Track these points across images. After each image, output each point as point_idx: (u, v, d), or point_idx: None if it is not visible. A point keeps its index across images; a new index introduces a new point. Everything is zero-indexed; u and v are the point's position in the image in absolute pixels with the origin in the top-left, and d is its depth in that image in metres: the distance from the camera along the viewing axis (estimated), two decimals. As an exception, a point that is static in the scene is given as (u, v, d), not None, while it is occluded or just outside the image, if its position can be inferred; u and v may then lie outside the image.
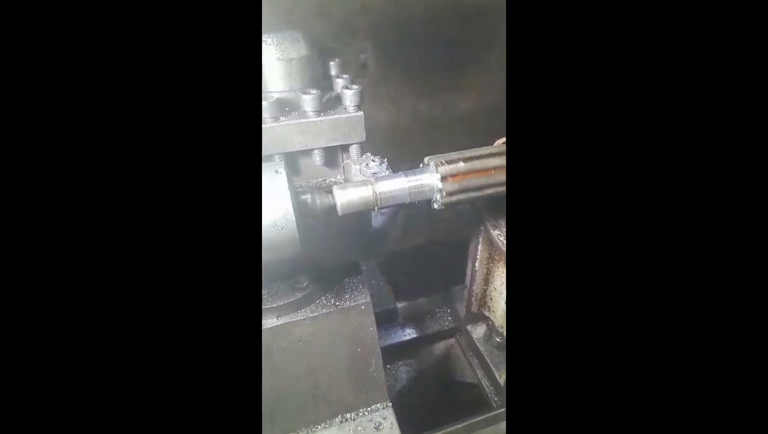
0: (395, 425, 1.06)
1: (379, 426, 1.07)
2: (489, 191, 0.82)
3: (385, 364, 1.47)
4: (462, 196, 0.79)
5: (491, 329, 1.38)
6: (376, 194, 0.77)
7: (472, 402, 1.45)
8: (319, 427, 1.07)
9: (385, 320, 1.56)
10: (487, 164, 0.80)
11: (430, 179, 0.78)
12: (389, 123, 2.28)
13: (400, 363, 1.56)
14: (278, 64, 0.83)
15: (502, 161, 0.81)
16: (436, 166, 0.78)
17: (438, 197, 0.79)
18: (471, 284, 1.33)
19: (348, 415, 1.09)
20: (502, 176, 0.81)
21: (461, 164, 0.78)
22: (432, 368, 1.60)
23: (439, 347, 1.62)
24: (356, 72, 2.10)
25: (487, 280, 1.30)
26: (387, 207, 0.81)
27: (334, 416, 1.09)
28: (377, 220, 1.99)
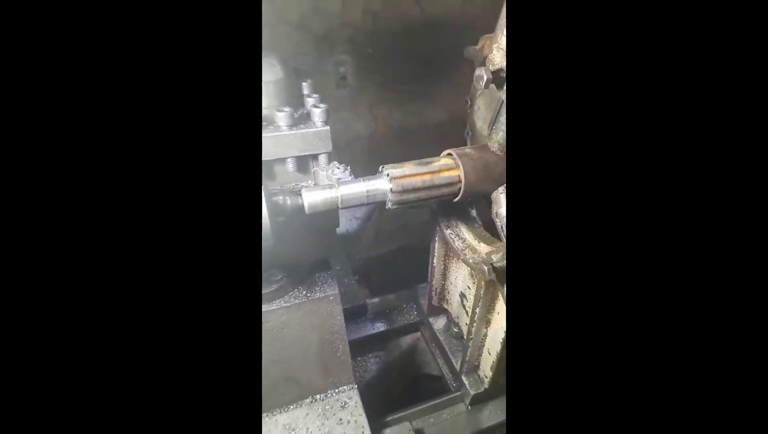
0: (359, 404, 1.19)
1: (345, 405, 1.19)
2: (435, 193, 0.97)
3: (355, 356, 1.61)
4: (408, 197, 0.94)
5: (450, 321, 1.53)
6: (338, 196, 0.91)
7: (435, 390, 1.58)
8: (291, 407, 1.19)
9: (355, 315, 1.69)
10: (430, 169, 0.95)
11: (382, 184, 0.93)
12: (367, 131, 2.42)
13: (370, 355, 1.69)
14: (256, 85, 0.97)
15: (445, 165, 0.97)
16: (387, 172, 0.93)
17: (389, 197, 0.93)
18: (431, 280, 1.48)
19: (317, 396, 1.21)
20: (447, 178, 0.97)
21: (406, 171, 0.93)
22: (398, 360, 1.73)
23: (406, 340, 1.76)
24: (336, 83, 2.23)
25: (444, 275, 1.45)
26: (348, 207, 0.95)
27: (305, 397, 1.21)
28: (351, 224, 2.14)
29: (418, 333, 1.75)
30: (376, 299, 1.77)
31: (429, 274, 1.48)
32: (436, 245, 1.37)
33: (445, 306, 1.52)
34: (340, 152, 2.71)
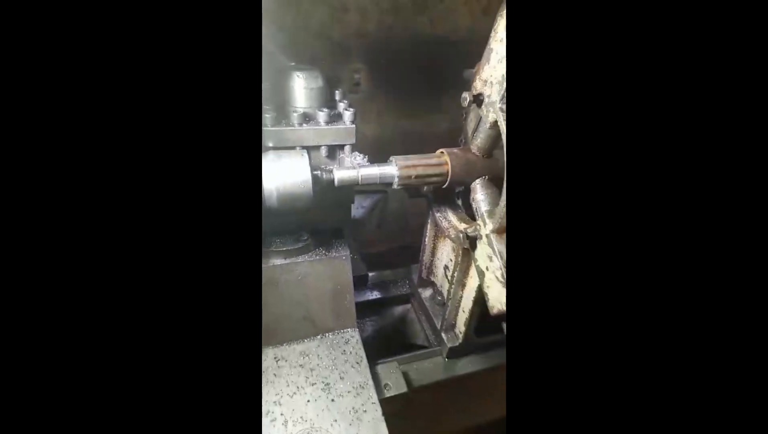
0: (359, 341, 1.52)
1: (348, 341, 1.53)
2: (429, 179, 1.33)
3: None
4: (409, 180, 1.29)
5: (435, 291, 1.87)
6: (359, 175, 1.26)
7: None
8: (306, 340, 1.52)
9: (358, 283, 2.02)
10: (429, 164, 1.31)
11: (391, 169, 1.29)
12: (374, 135, 2.62)
13: (366, 319, 2.02)
14: (304, 90, 1.33)
15: (438, 159, 1.33)
16: (396, 161, 1.29)
17: (396, 180, 1.29)
18: (422, 256, 1.83)
19: (327, 334, 1.55)
20: (438, 168, 1.32)
21: (409, 161, 1.29)
22: (390, 326, 2.06)
23: (398, 310, 2.09)
24: (350, 88, 2.43)
25: (433, 252, 1.79)
26: (366, 184, 1.30)
27: (318, 334, 1.54)
28: (358, 211, 2.52)
29: (409, 305, 2.09)
30: (375, 273, 2.11)
31: (420, 252, 1.83)
32: (428, 226, 1.72)
33: (432, 279, 1.86)
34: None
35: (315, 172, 1.23)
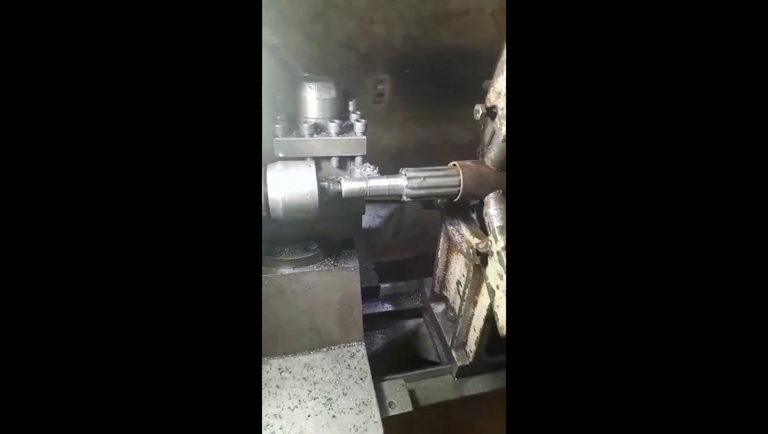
0: (365, 356, 1.49)
1: (353, 355, 1.50)
2: (440, 191, 1.29)
3: (364, 329, 1.91)
4: (419, 192, 1.26)
5: (447, 306, 1.82)
6: (368, 186, 1.24)
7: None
8: (312, 352, 1.50)
9: (369, 295, 2.00)
10: (438, 174, 1.27)
11: (401, 181, 1.26)
12: (396, 145, 2.67)
13: (377, 331, 1.99)
14: (316, 101, 1.33)
15: (450, 172, 1.29)
16: (406, 173, 1.26)
17: (406, 191, 1.26)
18: (435, 271, 1.78)
19: (333, 347, 1.52)
20: (450, 182, 1.28)
21: (420, 174, 1.26)
22: (401, 339, 2.02)
23: (410, 323, 2.05)
24: (373, 99, 2.48)
25: (446, 267, 1.74)
26: (375, 196, 1.27)
27: (323, 346, 1.52)
28: (375, 221, 2.50)
29: (422, 319, 2.04)
30: (388, 285, 2.07)
31: (434, 265, 1.78)
32: (441, 240, 1.68)
33: (445, 293, 1.81)
34: (371, 159, 3.03)
35: (322, 183, 1.22)
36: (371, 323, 1.97)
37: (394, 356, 1.93)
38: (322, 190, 1.20)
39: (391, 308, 1.98)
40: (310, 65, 2.31)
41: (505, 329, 1.20)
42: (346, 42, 2.25)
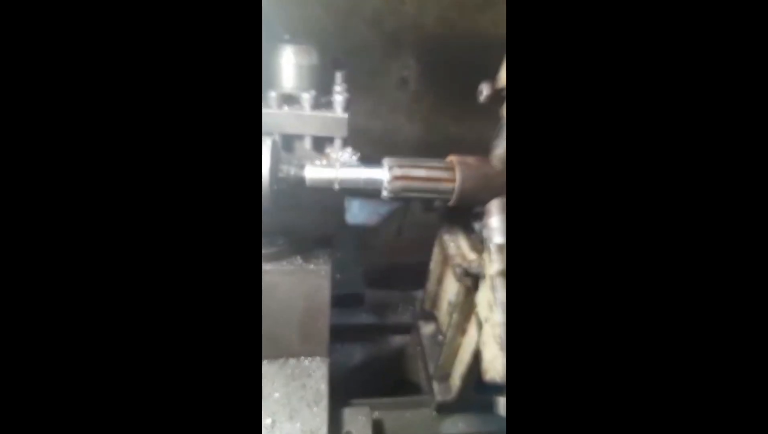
0: (326, 376, 1.26)
1: (311, 373, 1.27)
2: (429, 191, 1.03)
3: (343, 340, 1.68)
4: (404, 189, 1.01)
5: (438, 328, 1.55)
6: (337, 177, 1.01)
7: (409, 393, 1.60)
8: (265, 362, 1.29)
9: (353, 303, 1.77)
10: (428, 169, 1.01)
11: (381, 174, 1.01)
12: (418, 138, 2.41)
13: (357, 344, 1.75)
14: (292, 68, 1.10)
15: (443, 168, 1.03)
16: (389, 164, 1.01)
17: (386, 186, 1.01)
18: (426, 284, 1.52)
19: (290, 360, 1.31)
20: (442, 180, 1.02)
21: (405, 168, 1.00)
22: (385, 357, 1.77)
23: (397, 340, 1.80)
24: (396, 85, 2.25)
25: (439, 281, 1.48)
26: (347, 188, 1.04)
27: (280, 356, 1.30)
28: (372, 218, 2.24)
29: (409, 336, 1.79)
30: (376, 292, 1.83)
31: (426, 278, 1.52)
32: (436, 250, 1.42)
33: (436, 313, 1.54)
34: (386, 151, 2.78)
35: (282, 166, 0.99)
36: (352, 334, 1.74)
37: (373, 376, 1.70)
38: (276, 176, 0.97)
39: (374, 321, 1.73)
40: (327, 41, 2.13)
41: (490, 373, 0.93)
42: (371, 18, 2.02)
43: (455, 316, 1.20)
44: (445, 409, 1.37)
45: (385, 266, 2.38)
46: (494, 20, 2.21)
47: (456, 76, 2.20)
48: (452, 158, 1.07)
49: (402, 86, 2.26)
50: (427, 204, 1.32)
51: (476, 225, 1.31)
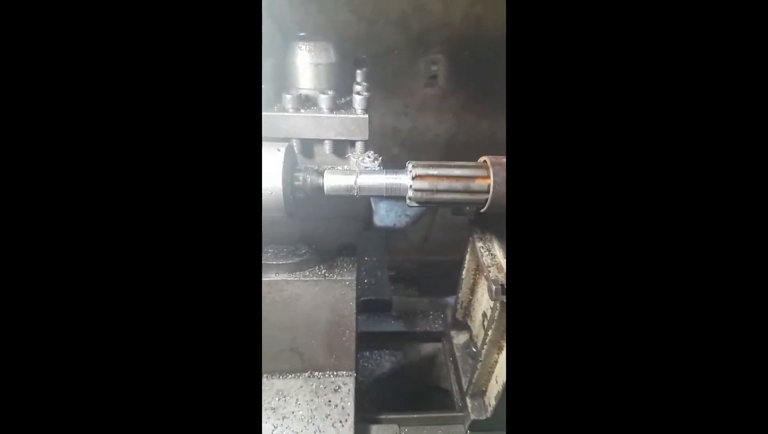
0: (352, 392, 1.20)
1: (338, 388, 1.21)
2: (459, 198, 0.93)
3: (371, 348, 1.62)
4: (430, 196, 0.91)
5: (471, 338, 1.45)
6: (357, 183, 0.92)
7: (442, 406, 1.52)
8: (290, 376, 1.24)
9: (380, 308, 1.69)
10: (457, 174, 0.91)
11: (404, 179, 0.92)
12: (448, 135, 2.37)
13: (386, 351, 1.68)
14: (309, 66, 1.03)
15: (475, 172, 0.92)
16: (412, 168, 0.91)
17: (410, 193, 0.92)
18: (458, 293, 1.42)
19: (316, 373, 1.25)
20: (474, 186, 0.92)
21: (432, 170, 0.90)
22: (414, 365, 1.69)
23: (427, 347, 1.71)
24: (425, 82, 2.22)
25: (472, 290, 1.37)
26: (368, 195, 0.96)
27: (305, 371, 1.25)
28: (400, 220, 2.15)
29: (440, 344, 1.69)
30: (405, 298, 1.75)
31: (457, 286, 1.42)
32: (468, 257, 1.31)
33: (469, 322, 1.44)
34: (415, 152, 2.65)
35: (299, 174, 0.92)
36: (380, 341, 1.67)
37: (402, 384, 1.62)
38: (293, 185, 0.91)
39: (404, 329, 1.65)
40: (358, 46, 2.05)
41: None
42: (398, 20, 2.00)
43: (491, 332, 1.09)
44: (480, 428, 1.28)
45: (414, 271, 2.29)
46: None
47: (485, 72, 2.15)
48: (485, 159, 0.95)
49: (430, 84, 2.19)
50: (458, 208, 1.21)
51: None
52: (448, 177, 0.91)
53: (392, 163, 1.08)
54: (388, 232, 2.11)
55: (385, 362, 1.66)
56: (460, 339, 1.51)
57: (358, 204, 1.17)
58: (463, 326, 1.49)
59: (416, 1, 1.99)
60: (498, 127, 2.34)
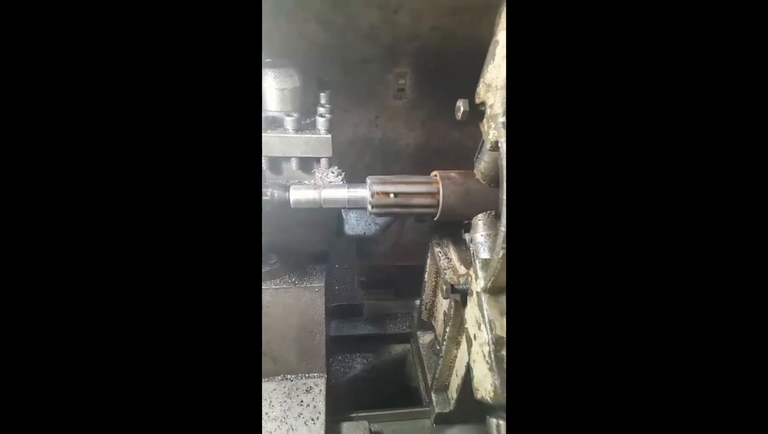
0: (323, 392, 1.28)
1: (309, 389, 1.29)
2: (412, 209, 1.04)
3: (343, 352, 1.69)
4: (388, 208, 1.01)
5: (435, 337, 1.55)
6: (321, 196, 1.02)
7: (411, 401, 1.60)
8: (264, 380, 1.31)
9: (350, 313, 1.78)
10: (410, 189, 1.02)
11: (364, 192, 1.02)
12: (418, 144, 2.41)
13: (357, 355, 1.76)
14: (275, 92, 1.11)
15: (426, 187, 1.03)
16: (371, 183, 1.01)
17: (369, 205, 1.02)
18: (422, 295, 1.52)
19: (289, 376, 1.32)
20: (425, 198, 1.03)
21: (389, 186, 1.01)
22: (385, 366, 1.78)
23: (397, 349, 1.80)
24: (393, 94, 2.27)
25: (434, 292, 1.48)
26: (331, 207, 1.05)
27: (278, 374, 1.32)
28: (370, 228, 2.24)
29: (409, 344, 1.79)
30: (374, 302, 1.84)
31: (421, 288, 1.52)
32: (428, 261, 1.42)
33: (433, 322, 1.54)
34: (387, 160, 2.70)
35: (266, 190, 1.01)
36: (352, 344, 1.75)
37: (373, 385, 1.70)
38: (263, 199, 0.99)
39: (375, 332, 1.74)
40: (325, 56, 2.10)
41: (480, 392, 0.93)
42: (368, 33, 2.04)
43: (449, 329, 1.20)
44: (444, 420, 1.37)
45: (384, 275, 2.38)
46: (490, 25, 2.19)
47: (453, 81, 2.23)
48: (436, 173, 1.07)
49: (398, 96, 2.26)
50: (419, 215, 1.32)
51: (466, 236, 1.31)
52: (403, 192, 1.02)
53: (366, 170, 1.18)
54: (359, 239, 2.20)
55: (357, 364, 1.74)
56: (425, 338, 1.61)
57: (329, 214, 1.26)
58: (429, 326, 1.59)
59: (385, 15, 2.02)
60: (465, 135, 2.39)
